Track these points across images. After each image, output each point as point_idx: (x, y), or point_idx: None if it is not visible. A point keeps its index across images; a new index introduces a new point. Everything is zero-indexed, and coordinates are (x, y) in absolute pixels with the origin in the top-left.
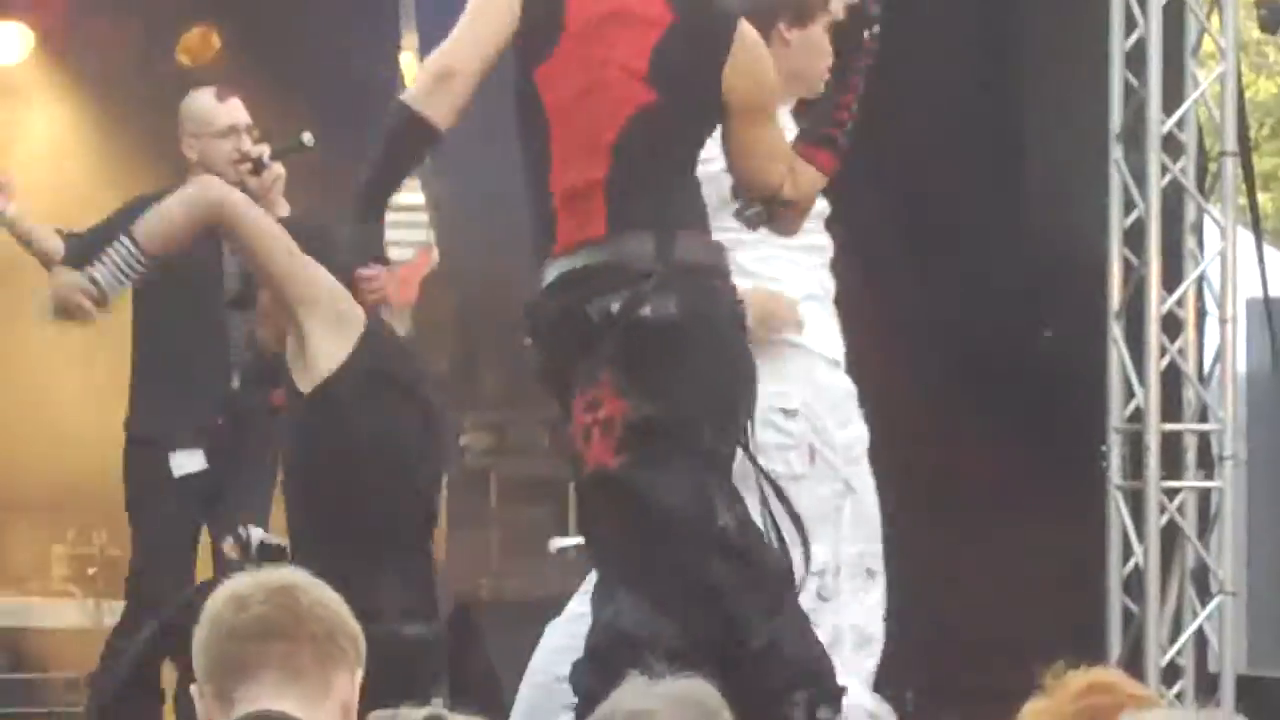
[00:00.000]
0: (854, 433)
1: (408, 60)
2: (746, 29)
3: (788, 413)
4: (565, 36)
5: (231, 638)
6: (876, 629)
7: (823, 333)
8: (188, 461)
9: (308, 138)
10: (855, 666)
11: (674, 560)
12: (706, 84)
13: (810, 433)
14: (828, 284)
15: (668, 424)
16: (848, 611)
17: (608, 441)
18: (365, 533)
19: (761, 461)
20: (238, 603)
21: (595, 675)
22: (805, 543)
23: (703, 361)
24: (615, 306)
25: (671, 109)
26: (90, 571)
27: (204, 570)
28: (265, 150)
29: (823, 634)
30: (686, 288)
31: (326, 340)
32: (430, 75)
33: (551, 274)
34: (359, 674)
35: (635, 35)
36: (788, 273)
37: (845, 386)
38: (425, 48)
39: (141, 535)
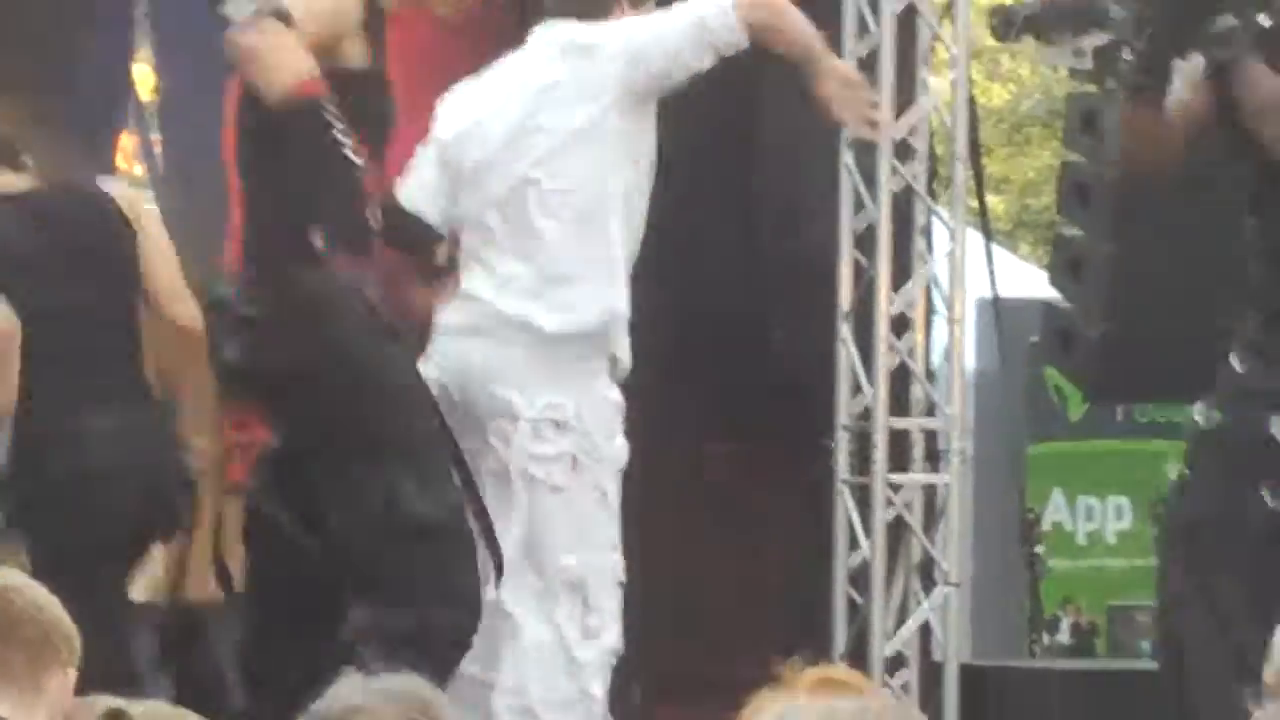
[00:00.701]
0: (619, 445)
1: (142, 72)
2: None
3: (558, 425)
4: None
5: None
6: (617, 636)
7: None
8: None
9: None
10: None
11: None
12: None
13: (576, 446)
14: None
15: (310, 451)
16: (603, 618)
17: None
18: None
19: (529, 468)
20: None
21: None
22: (495, 547)
23: (330, 392)
24: (231, 355)
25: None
26: None
27: None
28: None
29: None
30: (298, 328)
31: None
32: None
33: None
34: (72, 674)
35: None
36: None
37: (616, 399)
38: (161, 59)
39: None
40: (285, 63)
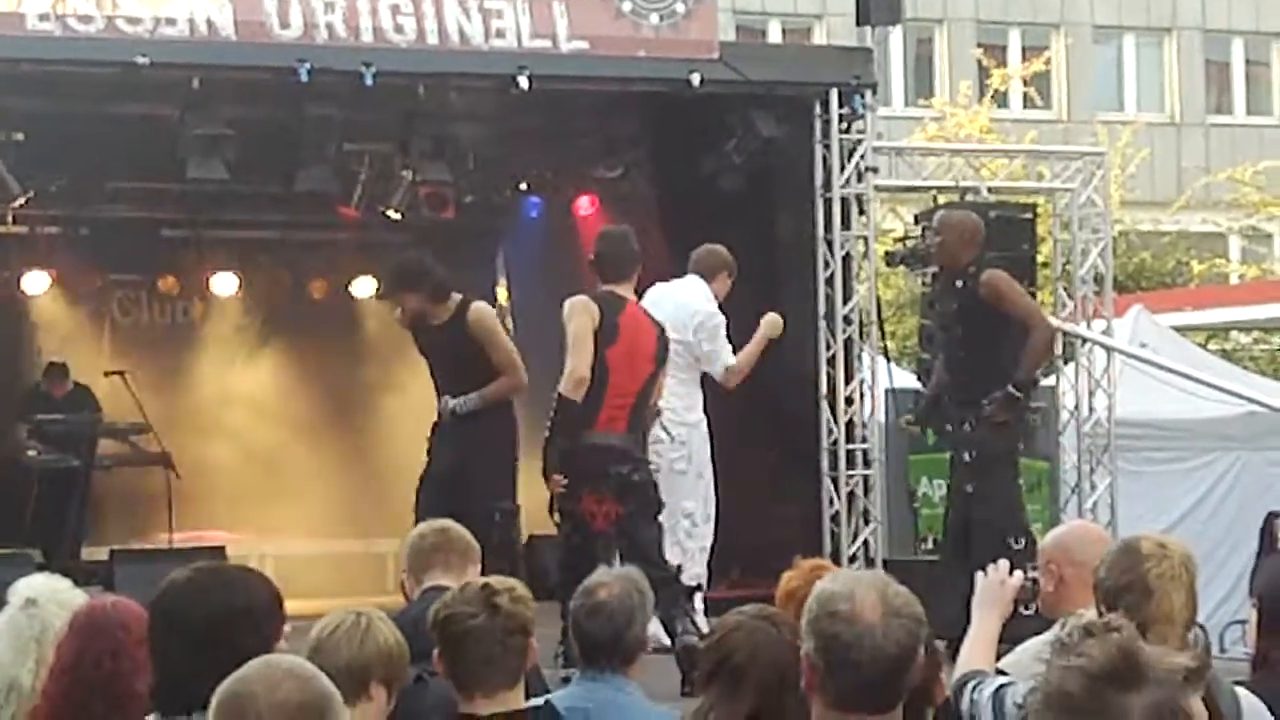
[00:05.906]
0: (707, 455)
1: (501, 290)
2: None
3: (682, 442)
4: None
5: None
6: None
7: (704, 455)
8: None
9: None
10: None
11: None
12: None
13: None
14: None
15: (640, 512)
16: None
17: (607, 520)
18: None
19: (674, 465)
20: None
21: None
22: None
23: (652, 493)
24: (616, 471)
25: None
26: None
27: None
28: None
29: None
30: (645, 468)
31: None
32: (575, 383)
33: (595, 439)
34: (477, 568)
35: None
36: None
37: (705, 431)
38: (510, 282)
39: None
40: None
